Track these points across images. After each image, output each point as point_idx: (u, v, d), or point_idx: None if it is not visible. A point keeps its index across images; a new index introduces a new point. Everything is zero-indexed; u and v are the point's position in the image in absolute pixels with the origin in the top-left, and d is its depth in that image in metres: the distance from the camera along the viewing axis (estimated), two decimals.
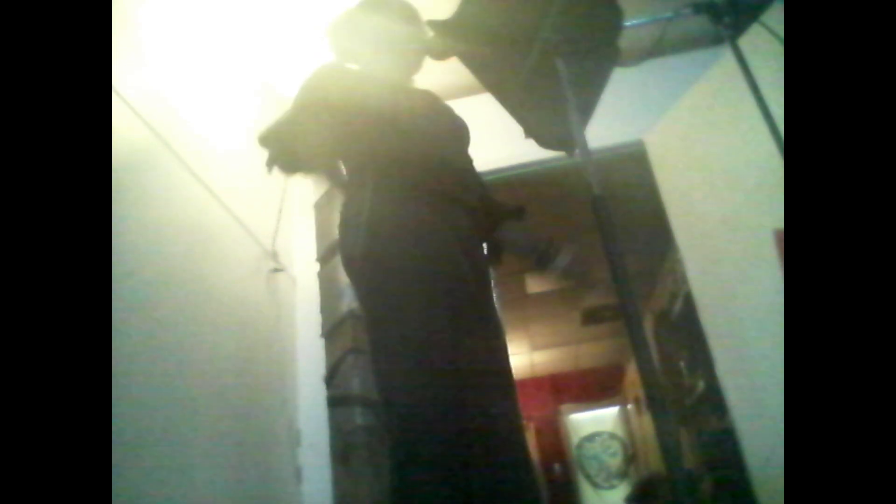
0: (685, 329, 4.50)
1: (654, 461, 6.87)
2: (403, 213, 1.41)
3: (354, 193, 1.51)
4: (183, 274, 1.93)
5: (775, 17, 1.61)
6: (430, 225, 1.41)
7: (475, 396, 1.29)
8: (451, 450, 1.23)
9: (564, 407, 8.29)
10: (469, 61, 1.45)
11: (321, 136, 1.50)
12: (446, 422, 1.24)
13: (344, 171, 1.59)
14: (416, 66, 1.67)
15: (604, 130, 1.73)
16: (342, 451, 2.35)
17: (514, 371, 1.50)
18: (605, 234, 1.19)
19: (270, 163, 1.51)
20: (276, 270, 2.72)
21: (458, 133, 1.64)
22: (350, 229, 1.47)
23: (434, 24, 1.58)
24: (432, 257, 1.37)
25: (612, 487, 7.81)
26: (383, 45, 1.63)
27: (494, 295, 1.68)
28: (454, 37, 1.48)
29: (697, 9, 1.61)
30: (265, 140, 1.50)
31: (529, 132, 1.48)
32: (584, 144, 1.30)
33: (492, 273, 1.66)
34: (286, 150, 1.50)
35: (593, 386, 8.24)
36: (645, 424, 7.12)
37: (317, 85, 1.51)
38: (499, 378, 1.40)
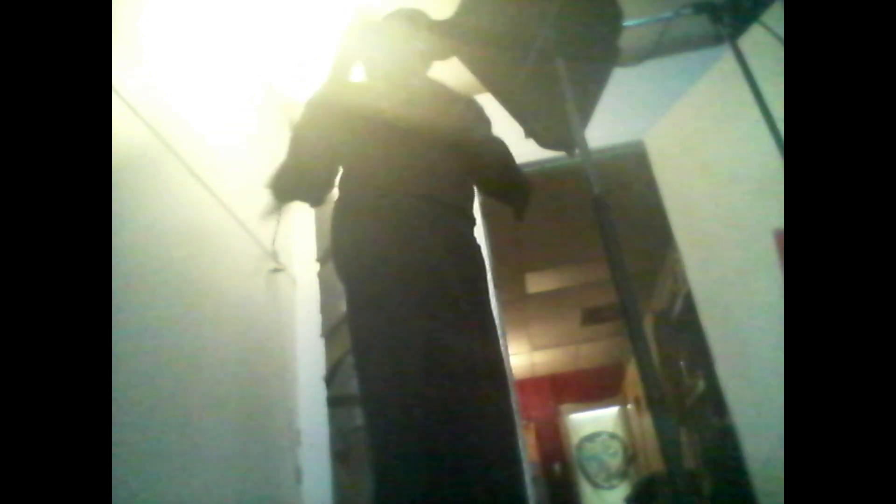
0: (685, 329, 4.50)
1: (654, 461, 6.87)
2: (381, 207, 1.44)
3: (343, 195, 1.54)
4: (183, 274, 1.92)
5: (775, 17, 1.61)
6: (407, 220, 1.43)
7: (451, 392, 1.30)
8: (420, 444, 1.24)
9: (564, 407, 8.29)
10: (469, 61, 1.45)
11: (322, 144, 1.55)
12: (415, 417, 1.25)
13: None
14: (422, 69, 1.71)
15: (604, 130, 1.73)
16: (342, 451, 2.35)
17: (514, 371, 1.51)
18: (605, 234, 1.19)
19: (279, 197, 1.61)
20: (276, 270, 2.72)
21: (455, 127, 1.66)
22: (336, 227, 1.51)
23: (434, 24, 1.59)
24: (409, 255, 1.40)
25: (612, 487, 7.81)
26: (389, 60, 1.69)
27: (493, 295, 1.68)
28: (454, 37, 1.48)
29: (697, 9, 1.61)
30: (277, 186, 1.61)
31: (529, 132, 1.48)
32: (584, 144, 1.29)
33: (490, 273, 1.67)
34: (294, 178, 1.58)
35: (593, 386, 8.24)
36: (645, 424, 7.11)
37: (316, 100, 1.59)
38: (483, 375, 1.41)
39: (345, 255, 1.48)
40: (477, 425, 1.32)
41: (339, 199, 1.56)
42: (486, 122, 1.71)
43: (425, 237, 1.44)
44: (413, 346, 1.30)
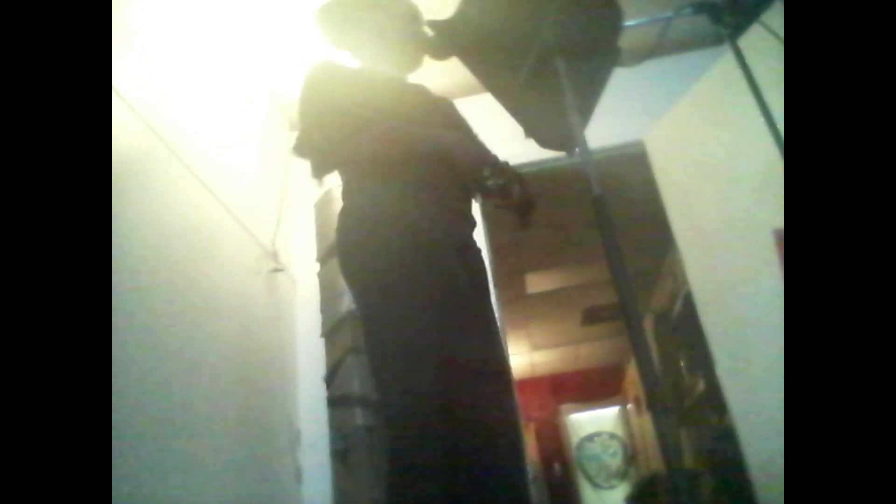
0: (685, 329, 4.50)
1: (654, 461, 6.88)
2: (394, 216, 1.43)
3: (349, 195, 1.53)
4: (183, 274, 1.92)
5: (775, 17, 1.61)
6: (420, 227, 1.43)
7: (465, 396, 1.31)
8: (438, 448, 1.25)
9: (564, 407, 8.30)
10: (469, 61, 1.45)
11: (330, 132, 1.50)
12: (434, 421, 1.26)
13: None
14: (415, 63, 1.68)
15: (604, 130, 1.73)
16: (342, 451, 2.35)
17: (514, 371, 1.51)
18: (605, 234, 1.19)
19: (316, 171, 1.53)
20: (276, 270, 2.72)
21: (452, 124, 1.65)
22: (344, 230, 1.50)
23: (434, 24, 1.58)
24: (421, 257, 1.39)
25: (612, 487, 7.82)
26: (384, 39, 1.64)
27: (493, 295, 1.68)
28: (454, 37, 1.48)
29: (697, 9, 1.61)
30: (300, 150, 1.52)
31: (529, 132, 1.48)
32: (584, 144, 1.29)
33: (490, 273, 1.67)
34: (318, 152, 1.51)
35: (593, 386, 8.25)
36: (645, 424, 7.12)
37: (317, 84, 1.52)
38: (492, 378, 1.41)
39: (356, 264, 1.46)
40: (489, 427, 1.34)
41: (345, 208, 1.54)
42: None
43: (438, 243, 1.43)
44: (429, 351, 1.30)
